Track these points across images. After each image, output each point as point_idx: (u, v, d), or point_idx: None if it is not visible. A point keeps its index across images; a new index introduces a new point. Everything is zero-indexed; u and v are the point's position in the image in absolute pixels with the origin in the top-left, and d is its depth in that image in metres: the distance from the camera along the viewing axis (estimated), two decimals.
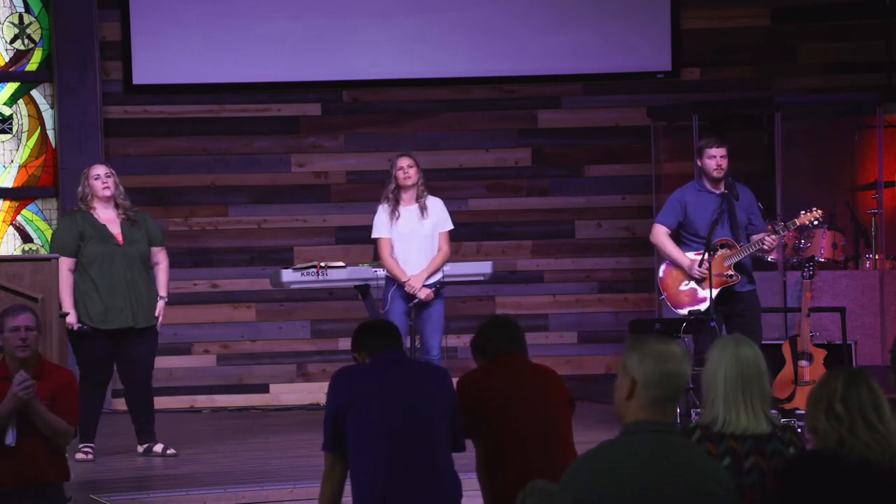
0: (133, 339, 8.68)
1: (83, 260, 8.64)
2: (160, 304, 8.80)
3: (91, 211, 8.76)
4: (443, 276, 9.22)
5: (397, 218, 9.17)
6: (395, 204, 9.18)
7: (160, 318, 8.80)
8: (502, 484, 5.38)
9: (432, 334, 9.12)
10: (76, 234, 8.67)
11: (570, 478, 3.82)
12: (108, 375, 8.77)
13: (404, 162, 9.21)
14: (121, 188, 8.82)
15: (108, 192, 8.74)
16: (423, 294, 9.06)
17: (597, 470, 3.79)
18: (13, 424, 6.13)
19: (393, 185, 9.20)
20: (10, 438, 6.14)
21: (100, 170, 8.83)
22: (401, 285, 9.08)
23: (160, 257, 8.89)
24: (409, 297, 9.07)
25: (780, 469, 4.26)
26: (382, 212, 9.21)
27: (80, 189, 8.82)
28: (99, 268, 8.64)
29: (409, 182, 9.16)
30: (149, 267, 8.82)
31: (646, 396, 3.89)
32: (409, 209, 9.19)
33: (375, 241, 9.26)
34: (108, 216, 8.76)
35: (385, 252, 9.16)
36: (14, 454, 6.15)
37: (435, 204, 9.26)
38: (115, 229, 8.73)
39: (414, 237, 9.16)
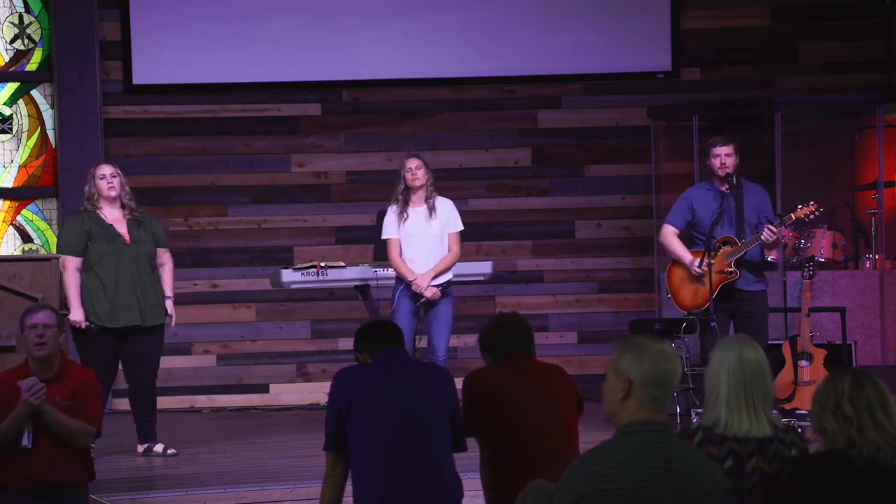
0: (140, 335, 8.72)
1: (90, 259, 8.67)
2: (169, 303, 8.85)
3: (97, 210, 8.78)
4: (452, 277, 9.24)
5: (406, 219, 9.18)
6: (404, 205, 9.19)
7: (174, 317, 8.86)
8: (505, 484, 5.37)
9: (439, 334, 9.14)
10: (83, 233, 8.69)
11: (568, 478, 3.82)
12: (113, 376, 8.77)
13: (412, 163, 9.22)
14: (126, 188, 8.85)
15: (113, 193, 8.77)
16: (430, 293, 9.08)
17: (596, 470, 3.78)
18: (29, 427, 6.12)
19: (402, 186, 9.21)
20: (25, 440, 6.13)
21: (105, 170, 8.85)
22: (408, 285, 9.10)
23: (165, 258, 8.93)
24: (417, 296, 9.09)
25: (790, 470, 4.22)
26: (391, 213, 9.23)
27: (86, 188, 8.85)
28: (106, 266, 8.66)
29: (417, 183, 9.17)
30: (154, 267, 8.86)
31: (645, 396, 3.88)
32: (417, 210, 9.20)
33: (385, 242, 9.28)
34: (114, 216, 8.79)
35: (393, 252, 9.19)
36: (30, 456, 6.12)
37: (444, 205, 9.26)
38: (122, 229, 8.76)
39: (422, 238, 9.17)
